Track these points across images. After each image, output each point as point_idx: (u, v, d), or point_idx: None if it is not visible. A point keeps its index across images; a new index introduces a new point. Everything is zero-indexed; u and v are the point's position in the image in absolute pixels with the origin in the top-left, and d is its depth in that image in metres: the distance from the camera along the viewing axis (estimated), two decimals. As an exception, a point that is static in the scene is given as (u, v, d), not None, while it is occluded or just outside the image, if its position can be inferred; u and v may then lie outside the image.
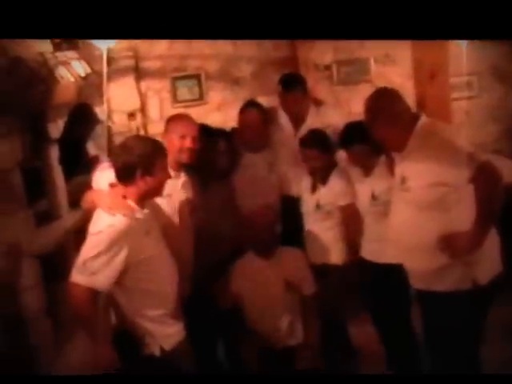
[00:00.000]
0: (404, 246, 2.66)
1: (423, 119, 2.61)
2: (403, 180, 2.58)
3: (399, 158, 2.68)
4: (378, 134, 2.67)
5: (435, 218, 2.50)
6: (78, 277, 2.27)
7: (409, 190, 2.54)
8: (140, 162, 2.37)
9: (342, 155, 3.42)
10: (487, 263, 2.57)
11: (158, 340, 2.48)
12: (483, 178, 2.37)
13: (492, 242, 2.58)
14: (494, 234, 2.59)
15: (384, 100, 2.65)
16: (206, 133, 3.27)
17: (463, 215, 2.47)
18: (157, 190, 2.50)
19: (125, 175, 2.40)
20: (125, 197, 2.41)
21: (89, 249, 2.28)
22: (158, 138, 2.77)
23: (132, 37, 2.16)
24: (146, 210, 2.47)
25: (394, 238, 2.74)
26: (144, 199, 2.47)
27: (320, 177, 3.38)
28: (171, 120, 3.12)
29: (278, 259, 3.18)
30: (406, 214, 2.60)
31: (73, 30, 1.83)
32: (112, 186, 2.50)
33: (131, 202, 2.41)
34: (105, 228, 2.28)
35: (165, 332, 2.51)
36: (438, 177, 2.43)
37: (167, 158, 2.53)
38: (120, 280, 2.35)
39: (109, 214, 2.33)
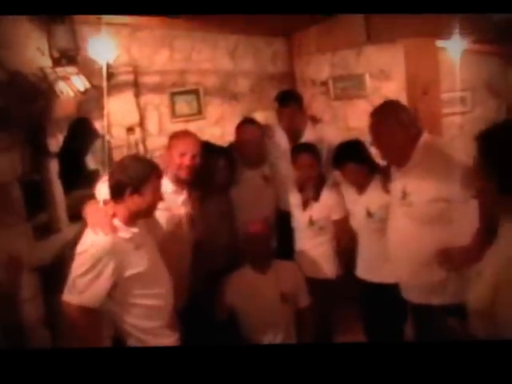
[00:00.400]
0: (404, 260, 2.70)
1: (425, 135, 2.65)
2: (404, 195, 2.62)
3: (400, 173, 2.71)
4: (382, 147, 2.71)
5: (436, 233, 2.54)
6: (68, 296, 2.35)
7: (411, 205, 2.58)
8: (130, 181, 2.41)
9: (336, 174, 3.45)
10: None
11: None
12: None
13: None
14: None
15: (391, 112, 2.68)
16: (207, 149, 3.33)
17: (463, 229, 2.50)
18: (146, 211, 2.51)
19: (116, 193, 2.45)
20: (114, 215, 2.44)
21: (76, 268, 2.35)
22: (157, 153, 2.83)
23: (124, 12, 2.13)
24: (134, 229, 2.48)
25: (394, 253, 2.77)
26: (133, 218, 2.48)
27: (311, 193, 3.41)
28: (173, 136, 3.19)
29: (274, 272, 3.21)
30: (407, 228, 2.63)
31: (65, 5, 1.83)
32: (105, 202, 2.54)
33: (118, 222, 2.44)
34: (89, 246, 2.34)
35: (160, 343, 2.53)
36: (441, 192, 2.48)
37: (161, 180, 2.55)
38: (114, 295, 2.40)
39: (93, 232, 2.38)
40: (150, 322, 2.53)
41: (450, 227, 2.53)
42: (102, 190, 2.65)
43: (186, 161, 2.99)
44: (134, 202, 2.43)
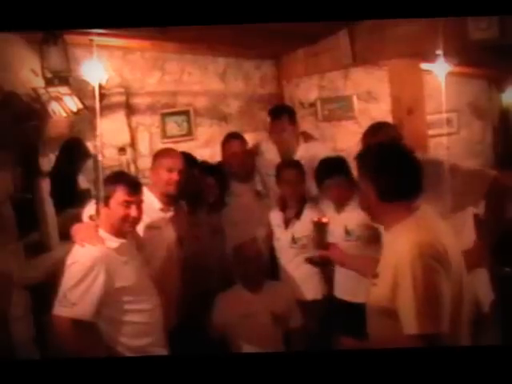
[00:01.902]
0: None
1: (419, 154, 2.70)
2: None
3: None
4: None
5: None
6: (60, 309, 2.35)
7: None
8: (99, 194, 2.51)
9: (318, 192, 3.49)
10: (485, 289, 2.67)
11: None
12: (498, 189, 2.52)
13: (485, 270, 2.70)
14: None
15: (382, 133, 2.75)
16: (196, 167, 3.39)
17: (467, 236, 2.61)
18: (120, 224, 2.51)
19: (96, 205, 2.54)
20: (98, 227, 2.49)
21: (67, 280, 2.37)
22: (147, 173, 2.86)
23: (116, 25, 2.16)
24: (122, 240, 2.52)
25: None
26: (117, 230, 2.52)
27: (293, 211, 3.44)
28: (158, 154, 3.24)
29: (267, 293, 3.22)
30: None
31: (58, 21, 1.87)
32: (91, 217, 2.58)
33: (104, 232, 2.49)
34: (79, 258, 2.38)
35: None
36: (453, 202, 2.51)
37: (128, 194, 2.50)
38: (101, 310, 2.40)
39: (80, 245, 2.42)
40: (138, 339, 2.55)
41: (459, 236, 2.54)
42: (87, 213, 2.70)
43: (174, 176, 3.04)
44: (105, 216, 2.49)
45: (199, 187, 3.40)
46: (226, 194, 3.67)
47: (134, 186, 2.53)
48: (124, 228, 2.52)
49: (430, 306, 1.79)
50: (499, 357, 1.71)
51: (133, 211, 2.50)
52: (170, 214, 3.12)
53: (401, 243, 1.91)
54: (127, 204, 2.49)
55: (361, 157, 2.13)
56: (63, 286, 2.36)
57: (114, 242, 2.48)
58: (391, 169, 1.99)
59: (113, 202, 2.46)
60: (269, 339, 3.16)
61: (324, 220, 2.73)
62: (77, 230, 2.55)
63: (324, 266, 2.93)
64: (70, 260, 2.41)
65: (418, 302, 1.79)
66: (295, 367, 1.75)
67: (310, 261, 2.86)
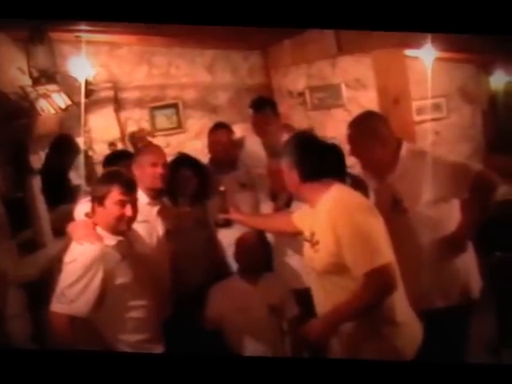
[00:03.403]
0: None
1: (406, 144, 2.71)
2: (397, 203, 2.65)
3: (384, 185, 2.73)
4: (361, 157, 2.76)
5: (430, 232, 2.62)
6: (57, 306, 2.34)
7: (406, 211, 2.61)
8: (94, 193, 2.50)
9: None
10: (475, 277, 2.72)
11: None
12: (482, 185, 2.53)
13: (472, 256, 2.74)
14: (471, 249, 2.73)
15: (369, 122, 2.74)
16: (175, 161, 3.42)
17: (451, 224, 2.62)
18: (116, 223, 2.49)
19: (92, 204, 2.53)
20: (95, 225, 2.50)
21: (65, 277, 2.36)
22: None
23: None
24: (119, 237, 2.53)
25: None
26: (113, 228, 2.51)
27: (284, 200, 3.45)
28: (140, 151, 3.28)
29: (264, 284, 3.23)
30: (403, 234, 2.61)
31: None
32: (87, 215, 2.59)
33: (101, 230, 2.49)
34: (78, 256, 2.37)
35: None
36: (437, 193, 2.55)
37: (123, 193, 2.48)
38: (98, 306, 2.40)
39: (78, 243, 2.42)
40: (135, 335, 2.55)
41: (442, 225, 2.63)
42: (80, 211, 2.70)
43: (159, 170, 3.05)
44: (101, 215, 2.49)
45: (179, 180, 3.41)
46: (209, 185, 3.66)
47: (129, 186, 2.51)
48: (120, 227, 2.51)
49: (367, 243, 2.11)
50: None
51: (128, 210, 2.48)
52: (156, 207, 3.13)
53: (329, 209, 2.24)
54: (122, 203, 2.47)
55: (284, 146, 2.48)
56: (61, 283, 2.36)
57: (111, 240, 2.49)
58: (309, 154, 2.33)
59: (108, 202, 2.45)
60: (265, 331, 3.16)
61: (221, 188, 3.05)
62: (74, 227, 2.55)
63: (227, 226, 3.16)
64: (68, 258, 2.41)
65: (358, 243, 2.12)
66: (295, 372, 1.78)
67: (216, 224, 3.22)
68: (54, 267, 3.56)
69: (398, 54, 4.13)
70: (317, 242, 2.28)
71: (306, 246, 2.40)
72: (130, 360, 2.13)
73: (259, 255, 3.26)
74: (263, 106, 3.82)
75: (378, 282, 2.10)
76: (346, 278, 2.18)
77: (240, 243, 3.27)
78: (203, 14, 1.88)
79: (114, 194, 2.45)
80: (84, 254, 2.36)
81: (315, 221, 2.33)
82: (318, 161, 2.34)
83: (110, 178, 2.52)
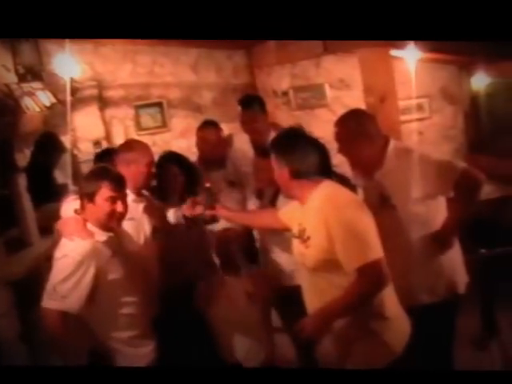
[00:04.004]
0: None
1: (393, 141, 2.75)
2: (385, 200, 2.68)
3: (372, 182, 2.76)
4: (349, 155, 2.78)
5: (417, 229, 2.65)
6: (49, 302, 2.34)
7: (394, 208, 2.65)
8: (83, 190, 2.50)
9: None
10: (462, 273, 2.76)
11: (129, 361, 2.53)
12: (467, 183, 2.56)
13: (459, 252, 2.78)
14: (457, 245, 2.77)
15: (356, 120, 2.76)
16: (162, 158, 3.42)
17: (438, 221, 2.66)
18: (107, 220, 2.50)
19: (80, 201, 2.52)
20: (86, 221, 2.50)
21: (57, 273, 2.35)
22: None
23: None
24: (109, 233, 2.53)
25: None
26: (104, 224, 2.51)
27: (268, 198, 3.47)
28: (125, 149, 3.15)
29: (244, 276, 3.25)
30: (391, 230, 2.62)
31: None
32: (76, 211, 2.58)
33: (91, 227, 2.49)
34: (69, 251, 2.37)
35: (136, 353, 2.58)
36: (424, 190, 2.58)
37: (113, 190, 2.49)
38: (89, 302, 2.40)
39: (69, 239, 2.41)
40: (126, 331, 2.56)
41: (429, 221, 2.67)
42: (70, 208, 2.69)
43: (145, 168, 3.01)
44: (91, 211, 2.49)
45: (166, 177, 3.41)
46: (197, 182, 3.66)
47: (118, 182, 2.52)
48: (111, 223, 2.52)
49: (359, 238, 2.15)
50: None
51: (118, 206, 2.50)
52: (142, 204, 3.12)
53: (320, 205, 2.26)
54: (113, 200, 2.48)
55: (274, 143, 2.50)
56: (52, 279, 2.35)
57: (102, 236, 2.49)
58: (299, 151, 2.35)
59: (98, 198, 2.45)
60: (248, 321, 3.17)
61: (207, 185, 3.08)
62: (64, 223, 2.54)
63: (213, 222, 3.19)
64: (59, 253, 2.40)
65: (350, 239, 2.15)
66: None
67: (204, 221, 3.22)
68: (40, 265, 3.56)
69: (384, 52, 4.18)
70: (308, 238, 2.30)
71: (296, 242, 2.42)
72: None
73: (237, 251, 3.27)
74: (251, 104, 3.83)
75: (371, 277, 2.14)
76: (338, 274, 2.21)
77: (218, 239, 3.29)
78: (191, 27, 1.88)
79: (104, 191, 2.46)
80: (75, 250, 2.35)
81: (306, 217, 2.34)
82: (308, 158, 2.35)
83: (99, 175, 2.52)
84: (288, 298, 3.34)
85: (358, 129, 2.72)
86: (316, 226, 2.26)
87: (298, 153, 2.34)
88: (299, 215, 2.41)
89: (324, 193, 2.31)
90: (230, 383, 1.80)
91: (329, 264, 2.22)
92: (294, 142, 2.40)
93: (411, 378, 1.79)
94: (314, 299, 2.37)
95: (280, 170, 2.39)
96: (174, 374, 1.84)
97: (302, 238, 2.34)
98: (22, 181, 3.64)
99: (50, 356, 3.19)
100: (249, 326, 3.17)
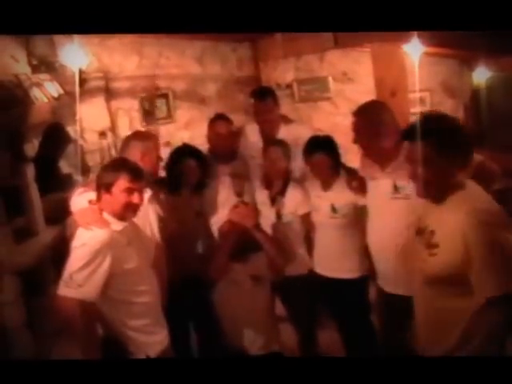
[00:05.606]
0: (388, 251, 2.78)
1: None
2: (396, 189, 2.72)
3: (387, 171, 2.79)
4: (365, 145, 2.82)
5: None
6: (65, 290, 2.36)
7: (408, 198, 2.65)
8: (100, 181, 2.53)
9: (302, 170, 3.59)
10: None
11: (143, 348, 2.58)
12: (483, 175, 2.49)
13: None
14: None
15: (374, 111, 2.80)
16: (179, 150, 3.46)
17: None
18: (124, 210, 2.53)
19: (97, 191, 2.56)
20: (102, 210, 2.53)
21: (74, 262, 2.38)
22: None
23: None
24: (125, 223, 2.57)
25: (380, 246, 2.89)
26: (119, 214, 2.55)
27: (278, 188, 3.51)
28: (130, 138, 3.20)
29: (249, 261, 3.28)
30: (399, 220, 2.67)
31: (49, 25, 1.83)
32: (90, 202, 2.62)
33: (108, 216, 2.53)
34: (87, 240, 2.40)
35: (149, 340, 2.63)
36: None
37: (131, 181, 2.52)
38: (105, 291, 2.44)
39: (87, 229, 2.45)
40: (141, 319, 2.60)
41: None
42: (78, 202, 2.72)
43: (148, 159, 3.05)
44: (107, 201, 2.52)
45: (182, 170, 3.44)
46: (207, 175, 3.70)
47: (136, 173, 2.56)
48: (127, 214, 2.56)
49: (503, 266, 1.88)
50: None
51: (135, 198, 2.54)
52: (147, 194, 3.15)
53: (461, 215, 1.95)
54: (130, 191, 2.52)
55: (415, 132, 2.06)
56: (69, 267, 2.37)
57: (118, 225, 2.53)
58: (452, 143, 2.02)
59: (115, 189, 2.49)
60: (254, 304, 3.21)
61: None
62: (81, 213, 2.57)
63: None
64: (76, 242, 2.43)
65: (495, 264, 1.87)
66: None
67: None
68: (46, 255, 3.62)
69: (396, 46, 4.20)
70: (436, 246, 2.05)
71: (416, 240, 2.19)
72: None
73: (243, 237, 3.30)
74: (265, 95, 3.85)
75: (501, 312, 1.89)
76: (458, 291, 1.99)
77: (220, 230, 3.33)
78: (198, 20, 1.90)
79: (122, 182, 2.49)
80: (93, 239, 2.39)
81: (438, 219, 2.09)
82: (461, 153, 2.04)
83: (117, 166, 2.57)
84: (292, 285, 3.44)
85: (377, 119, 2.75)
86: (451, 236, 1.99)
87: (452, 145, 2.03)
88: (430, 213, 2.17)
89: (469, 198, 2.03)
90: (235, 371, 1.83)
91: (453, 279, 1.99)
92: (445, 131, 2.05)
93: (411, 364, 1.84)
94: (421, 310, 2.21)
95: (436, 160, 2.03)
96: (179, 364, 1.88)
97: (429, 242, 2.09)
98: (31, 171, 3.67)
99: (55, 344, 3.29)
100: (254, 314, 3.22)
